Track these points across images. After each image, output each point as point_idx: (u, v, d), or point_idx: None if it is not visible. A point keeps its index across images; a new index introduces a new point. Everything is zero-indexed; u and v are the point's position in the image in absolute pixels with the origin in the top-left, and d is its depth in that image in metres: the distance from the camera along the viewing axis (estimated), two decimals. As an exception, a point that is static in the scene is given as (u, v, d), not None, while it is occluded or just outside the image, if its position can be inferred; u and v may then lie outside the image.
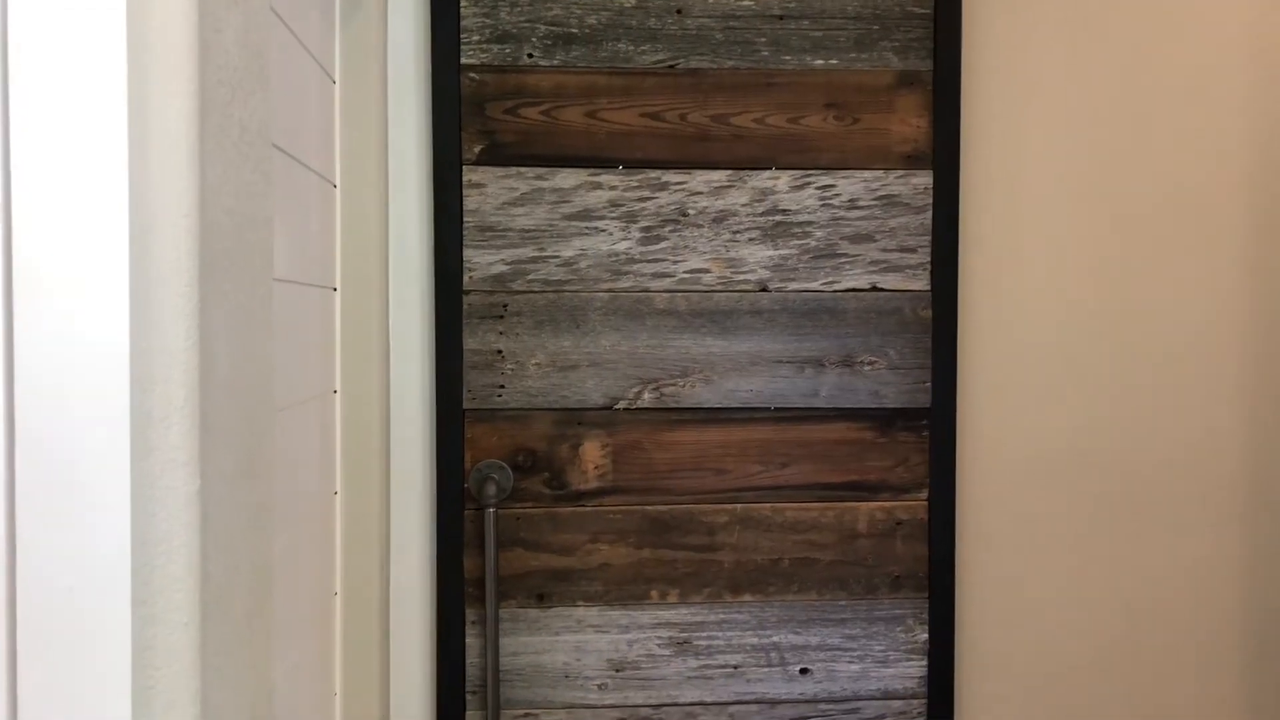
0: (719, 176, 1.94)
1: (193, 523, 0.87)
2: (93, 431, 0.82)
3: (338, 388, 1.66)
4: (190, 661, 0.87)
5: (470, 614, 1.94)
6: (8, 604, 0.83)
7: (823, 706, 2.00)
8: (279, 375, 1.27)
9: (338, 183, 1.65)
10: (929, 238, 1.97)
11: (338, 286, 1.65)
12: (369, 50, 1.68)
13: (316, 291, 1.51)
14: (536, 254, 1.92)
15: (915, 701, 2.01)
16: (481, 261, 1.92)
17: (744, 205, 1.94)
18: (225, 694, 0.94)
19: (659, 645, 1.97)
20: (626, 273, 1.93)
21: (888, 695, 2.01)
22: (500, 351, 1.93)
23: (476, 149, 1.91)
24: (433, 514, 1.89)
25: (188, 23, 0.85)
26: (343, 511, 1.69)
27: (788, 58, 1.94)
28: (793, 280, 1.96)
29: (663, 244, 1.94)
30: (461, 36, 1.89)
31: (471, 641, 1.94)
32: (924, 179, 1.96)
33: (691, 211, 1.94)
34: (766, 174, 1.94)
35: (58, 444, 0.82)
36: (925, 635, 2.00)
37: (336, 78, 1.64)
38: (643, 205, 1.93)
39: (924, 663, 2.01)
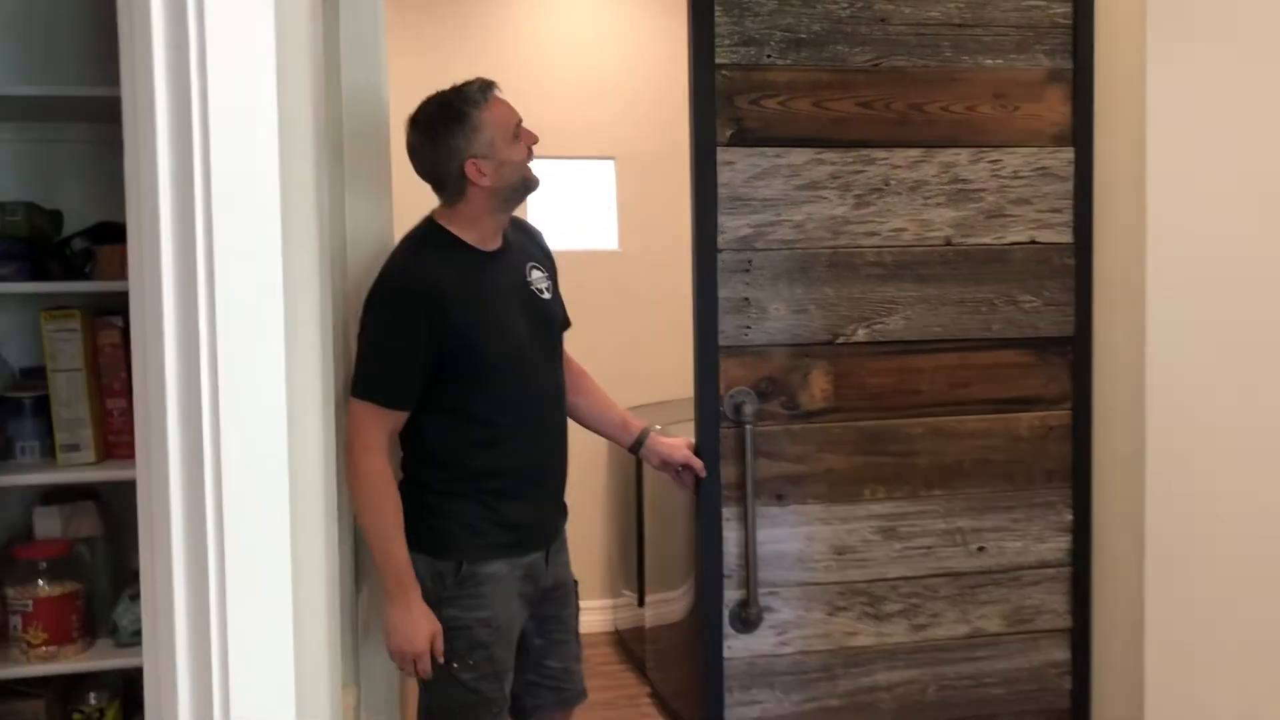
0: (914, 153, 2.41)
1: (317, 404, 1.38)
2: (259, 351, 1.29)
3: None
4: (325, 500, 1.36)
5: (725, 512, 2.38)
6: (214, 461, 1.29)
7: (994, 575, 2.51)
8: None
9: None
10: (1071, 201, 2.49)
11: None
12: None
13: None
14: (774, 218, 2.37)
15: (1063, 569, 2.55)
16: (731, 225, 2.35)
17: (933, 176, 2.42)
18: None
19: (870, 533, 2.45)
20: (843, 232, 2.40)
21: (1043, 565, 2.53)
22: (747, 299, 2.37)
23: (728, 133, 2.34)
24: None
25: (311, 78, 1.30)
26: None
27: (965, 58, 2.42)
28: (970, 236, 2.45)
29: (871, 209, 2.40)
30: (715, 41, 2.32)
31: (727, 534, 2.39)
32: (1068, 154, 2.48)
33: (893, 182, 2.41)
34: (950, 151, 2.43)
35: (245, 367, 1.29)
36: (1070, 516, 2.54)
37: None
38: (855, 177, 2.39)
39: (1069, 538, 2.54)
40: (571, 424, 2.54)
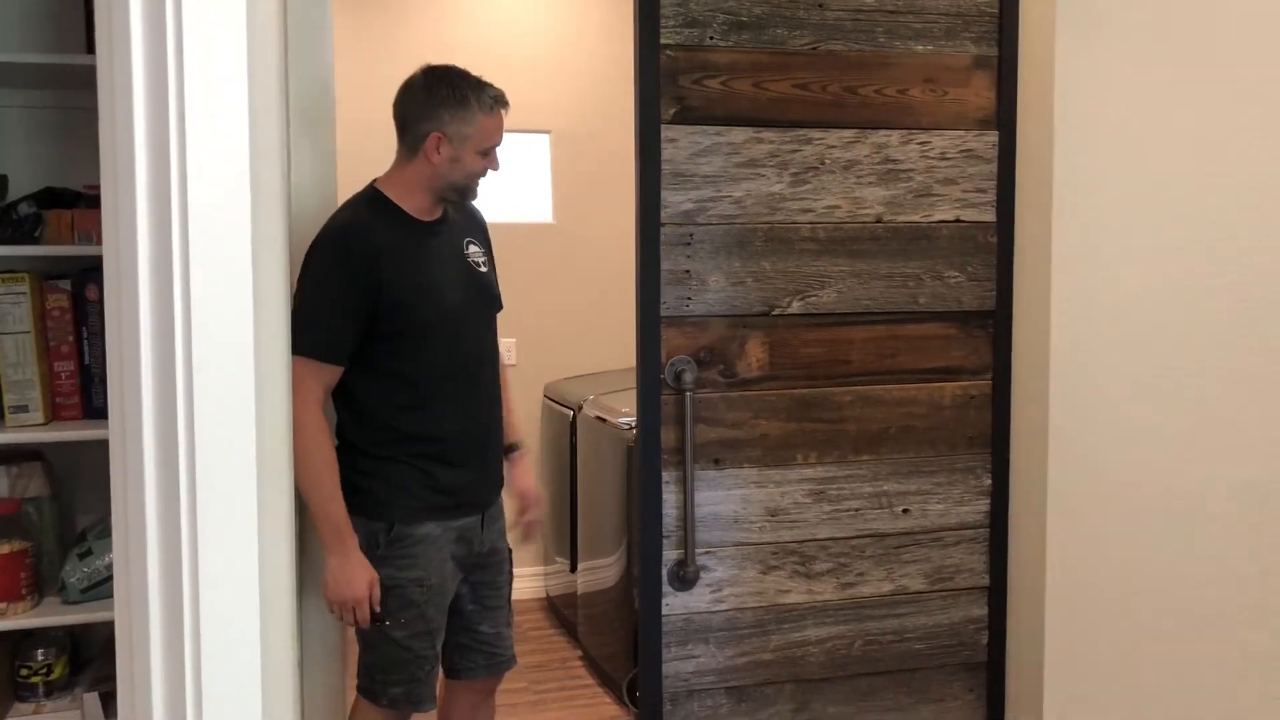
0: (848, 134, 2.52)
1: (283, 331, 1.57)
2: (228, 293, 1.40)
3: None
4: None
5: (665, 475, 2.48)
6: (186, 377, 1.38)
7: (917, 536, 2.65)
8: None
9: None
10: (995, 182, 2.62)
11: None
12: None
13: None
14: (714, 194, 2.46)
15: (981, 530, 2.69)
16: (674, 200, 2.44)
17: (865, 156, 2.54)
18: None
19: (802, 495, 2.57)
20: (780, 209, 2.50)
21: (963, 526, 2.68)
22: (688, 271, 2.46)
23: (671, 111, 2.42)
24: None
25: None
26: None
27: (898, 43, 2.53)
28: (900, 214, 2.57)
29: (806, 186, 2.51)
30: (661, 21, 2.40)
31: (666, 496, 2.49)
32: (992, 138, 2.61)
33: (828, 161, 2.52)
34: (882, 132, 2.54)
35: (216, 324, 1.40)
36: (989, 481, 2.68)
37: None
38: (793, 156, 2.50)
39: (988, 501, 2.68)
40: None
